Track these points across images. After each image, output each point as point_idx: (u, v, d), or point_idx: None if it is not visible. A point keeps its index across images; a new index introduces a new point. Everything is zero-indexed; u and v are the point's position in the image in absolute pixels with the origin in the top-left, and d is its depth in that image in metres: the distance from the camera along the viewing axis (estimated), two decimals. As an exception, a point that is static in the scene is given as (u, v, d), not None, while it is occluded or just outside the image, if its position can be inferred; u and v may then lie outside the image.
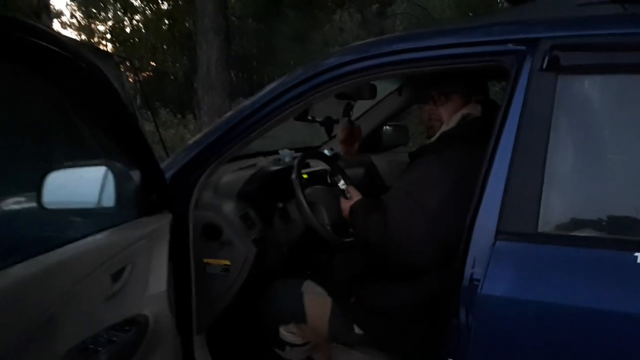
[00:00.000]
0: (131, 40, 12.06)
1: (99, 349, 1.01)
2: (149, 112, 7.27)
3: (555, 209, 1.03)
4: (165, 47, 11.83)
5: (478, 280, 1.02)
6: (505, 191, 1.04)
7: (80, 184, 1.21)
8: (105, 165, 1.20)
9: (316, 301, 1.52)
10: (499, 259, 1.02)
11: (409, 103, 2.62)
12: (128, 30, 13.12)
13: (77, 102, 1.10)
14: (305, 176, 1.95)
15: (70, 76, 1.02)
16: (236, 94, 6.69)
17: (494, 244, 1.03)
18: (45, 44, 0.93)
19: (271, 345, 1.67)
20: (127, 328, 1.11)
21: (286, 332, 1.59)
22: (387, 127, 2.70)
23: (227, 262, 1.55)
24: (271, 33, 10.22)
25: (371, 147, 2.61)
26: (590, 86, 1.05)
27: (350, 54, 1.30)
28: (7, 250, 0.97)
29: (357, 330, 1.44)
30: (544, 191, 1.01)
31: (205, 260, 1.55)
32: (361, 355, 1.50)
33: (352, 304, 1.45)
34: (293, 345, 1.62)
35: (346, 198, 1.57)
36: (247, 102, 1.44)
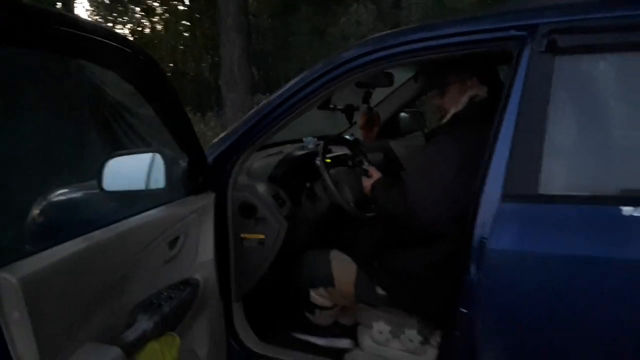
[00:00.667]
0: (153, 42, 12.36)
1: (162, 303, 1.19)
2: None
3: (554, 173, 1.16)
4: (184, 47, 12.06)
5: (486, 238, 1.17)
6: (510, 159, 1.18)
7: (134, 169, 1.39)
8: (157, 152, 1.38)
9: (342, 267, 1.68)
10: (504, 218, 1.16)
11: (424, 90, 2.75)
12: (147, 31, 13.42)
13: (140, 93, 1.27)
14: (328, 160, 2.12)
15: (132, 69, 1.19)
16: (255, 91, 6.86)
17: (500, 206, 1.17)
18: (108, 41, 1.10)
19: (302, 309, 1.84)
20: (182, 288, 1.29)
21: (316, 296, 1.76)
22: (404, 113, 2.84)
23: (262, 236, 1.72)
24: (288, 29, 10.38)
25: (389, 133, 2.76)
26: (584, 65, 1.19)
27: (369, 46, 1.45)
28: (88, 219, 1.16)
29: (379, 291, 1.60)
30: (544, 158, 1.15)
31: (242, 235, 1.73)
32: (383, 313, 1.66)
33: (375, 268, 1.61)
34: (322, 309, 1.78)
35: (367, 177, 1.72)
36: (276, 94, 1.60)
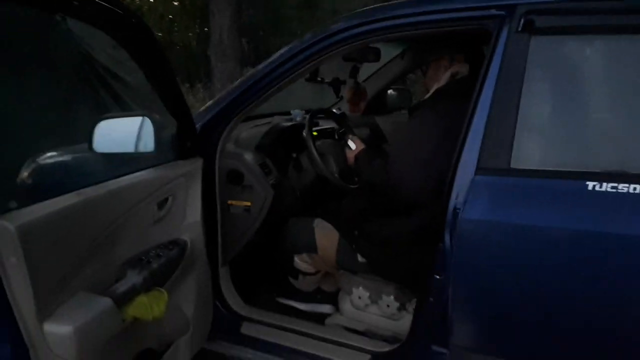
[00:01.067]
0: (142, 10, 12.10)
1: (151, 260, 1.24)
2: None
3: (525, 148, 1.23)
4: (171, 17, 11.86)
5: (459, 208, 1.24)
6: (484, 134, 1.25)
7: (124, 131, 1.43)
8: (146, 116, 1.42)
9: (325, 235, 1.76)
10: (477, 190, 1.23)
11: (410, 67, 2.80)
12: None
13: (131, 56, 1.30)
14: (315, 133, 2.17)
15: (124, 32, 1.22)
16: (245, 63, 6.83)
17: (474, 178, 1.24)
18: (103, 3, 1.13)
19: (286, 274, 1.91)
20: (170, 247, 1.35)
21: (300, 261, 1.84)
22: (392, 91, 2.89)
23: (248, 204, 1.78)
24: (278, 2, 10.25)
25: (376, 109, 2.81)
26: (559, 45, 1.25)
27: (355, 19, 1.49)
28: (78, 175, 1.20)
29: (360, 259, 1.68)
30: (516, 134, 1.22)
31: (229, 202, 1.78)
32: (362, 280, 1.74)
33: (355, 236, 1.68)
34: (305, 274, 1.86)
35: (351, 149, 1.78)
36: (263, 64, 1.64)
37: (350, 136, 1.85)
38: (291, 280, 1.93)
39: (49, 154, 1.71)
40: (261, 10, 10.26)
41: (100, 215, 1.11)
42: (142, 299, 1.14)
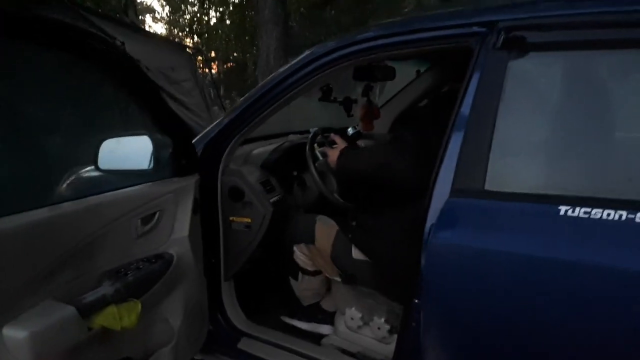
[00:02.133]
0: (212, 32, 12.80)
1: (128, 272, 1.30)
2: (226, 101, 7.81)
3: (500, 170, 1.17)
4: (233, 38, 12.42)
5: (433, 231, 1.20)
6: (460, 154, 1.20)
7: (126, 150, 1.52)
8: (147, 135, 1.50)
9: (324, 228, 1.80)
10: (450, 212, 1.19)
11: (441, 83, 2.75)
12: (207, 22, 13.91)
13: (122, 84, 1.39)
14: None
15: (113, 63, 1.31)
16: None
17: (448, 199, 1.20)
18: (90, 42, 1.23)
19: (287, 274, 1.93)
20: (153, 261, 1.40)
21: (298, 252, 1.87)
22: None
23: (249, 220, 1.81)
24: (327, 21, 10.45)
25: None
26: (537, 63, 1.18)
27: (343, 41, 1.50)
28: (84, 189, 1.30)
29: (354, 254, 1.67)
30: (491, 154, 1.16)
31: (230, 218, 1.83)
32: (355, 300, 1.72)
33: (352, 227, 1.70)
34: (304, 272, 1.86)
35: (332, 148, 1.77)
36: (259, 85, 1.68)
37: (332, 135, 1.84)
38: (292, 283, 1.94)
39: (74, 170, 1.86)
40: (311, 29, 10.50)
41: (74, 229, 1.18)
42: (111, 309, 1.19)
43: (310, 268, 1.88)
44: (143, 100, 1.44)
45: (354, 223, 1.70)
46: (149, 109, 1.47)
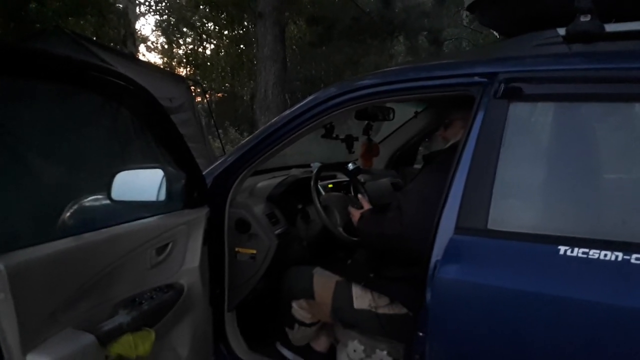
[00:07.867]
0: (208, 64, 13.03)
1: (143, 301, 1.34)
2: (219, 131, 7.92)
3: (502, 210, 1.25)
4: (230, 70, 12.66)
5: (437, 267, 1.26)
6: (464, 194, 1.28)
7: (139, 182, 1.57)
8: (159, 168, 1.56)
9: (322, 281, 1.81)
10: (454, 250, 1.26)
11: (434, 124, 2.87)
12: (203, 54, 14.17)
13: (140, 120, 1.46)
14: (330, 185, 2.26)
15: (134, 102, 1.38)
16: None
17: (452, 237, 1.27)
18: (117, 81, 1.30)
19: (283, 323, 1.95)
20: (165, 290, 1.44)
21: (298, 308, 1.88)
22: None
23: (254, 251, 1.86)
24: (326, 59, 10.76)
25: (404, 163, 2.92)
26: (535, 111, 1.28)
27: (347, 86, 1.59)
28: (80, 223, 1.34)
29: (356, 305, 1.70)
30: (494, 196, 1.24)
31: (236, 249, 1.88)
32: (357, 333, 1.75)
33: (371, 278, 1.72)
34: (301, 324, 1.89)
35: (356, 208, 1.84)
36: (270, 122, 1.76)
37: (360, 195, 1.91)
38: (287, 330, 1.97)
39: (80, 200, 1.90)
40: (310, 66, 10.80)
41: (95, 259, 1.23)
42: (127, 337, 1.23)
43: (308, 321, 1.90)
44: (158, 134, 1.51)
45: (372, 275, 1.73)
46: (163, 142, 1.53)
